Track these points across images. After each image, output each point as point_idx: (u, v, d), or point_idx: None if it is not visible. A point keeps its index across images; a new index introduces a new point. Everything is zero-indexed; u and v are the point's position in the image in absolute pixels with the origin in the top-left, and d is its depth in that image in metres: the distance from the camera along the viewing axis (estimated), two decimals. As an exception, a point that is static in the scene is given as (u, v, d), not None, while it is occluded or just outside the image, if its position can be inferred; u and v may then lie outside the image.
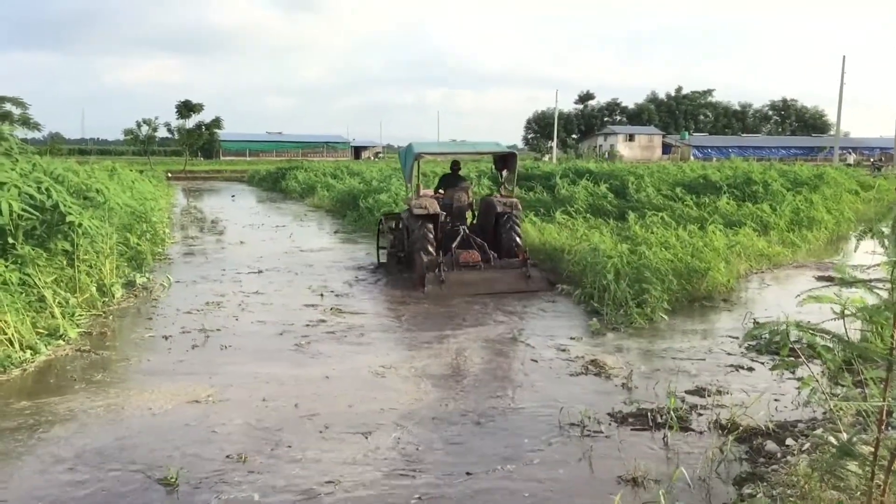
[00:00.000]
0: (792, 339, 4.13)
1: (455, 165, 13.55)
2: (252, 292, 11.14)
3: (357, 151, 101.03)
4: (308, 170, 42.38)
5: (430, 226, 11.98)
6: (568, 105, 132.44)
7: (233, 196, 16.07)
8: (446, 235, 12.37)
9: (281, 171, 45.78)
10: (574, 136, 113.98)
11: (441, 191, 13.17)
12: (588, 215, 16.90)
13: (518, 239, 12.16)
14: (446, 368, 7.36)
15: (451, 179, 13.20)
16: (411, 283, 11.77)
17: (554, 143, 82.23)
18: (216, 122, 67.53)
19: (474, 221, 13.01)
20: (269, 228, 20.70)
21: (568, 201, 19.16)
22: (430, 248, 11.79)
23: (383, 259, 13.75)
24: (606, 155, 67.04)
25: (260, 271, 13.02)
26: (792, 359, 5.02)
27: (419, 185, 13.30)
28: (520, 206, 12.68)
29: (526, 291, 10.97)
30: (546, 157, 74.57)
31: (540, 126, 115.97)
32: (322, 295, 10.89)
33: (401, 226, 13.30)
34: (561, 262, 12.10)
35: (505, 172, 13.07)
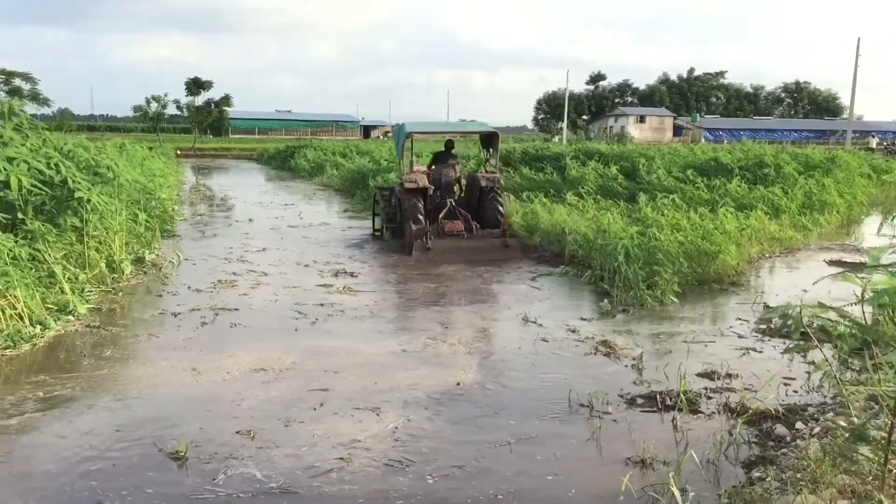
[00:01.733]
0: (804, 321, 4.10)
1: (449, 144, 14.58)
2: (260, 271, 11.12)
3: (366, 131, 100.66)
4: (317, 148, 42.21)
5: (420, 198, 13.23)
6: (579, 86, 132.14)
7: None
8: (435, 207, 13.51)
9: (290, 150, 45.57)
10: (585, 117, 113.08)
11: (433, 167, 14.38)
12: (598, 197, 16.88)
13: (500, 210, 13.46)
14: (455, 348, 7.32)
15: (443, 157, 14.28)
16: (403, 249, 12.91)
17: (564, 124, 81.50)
18: (226, 100, 67.34)
19: (462, 195, 14.12)
20: (278, 206, 20.70)
21: (578, 182, 19.12)
22: (420, 218, 12.99)
23: (379, 229, 15.06)
24: (617, 136, 66.62)
25: (265, 249, 13.03)
26: (804, 342, 5.02)
27: (412, 161, 14.76)
28: (502, 182, 14.20)
29: (503, 260, 12.17)
30: (556, 138, 74.09)
31: (550, 107, 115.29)
32: (336, 274, 10.84)
33: (393, 200, 14.42)
34: (571, 245, 12.02)
35: (489, 151, 14.39)
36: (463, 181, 14.46)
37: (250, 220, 17.41)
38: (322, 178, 30.25)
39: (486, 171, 14.19)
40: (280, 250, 13.15)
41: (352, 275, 10.88)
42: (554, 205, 15.29)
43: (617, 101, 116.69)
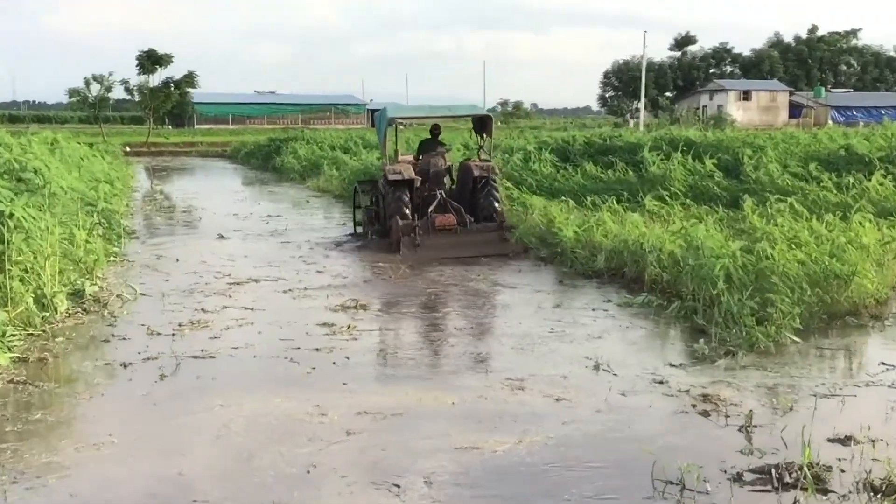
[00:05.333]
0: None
1: (435, 129, 16.48)
2: (238, 305, 11.20)
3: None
4: (311, 141, 42.51)
5: (406, 191, 15.13)
6: (660, 52, 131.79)
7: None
8: (423, 201, 15.40)
9: (275, 144, 46.04)
10: (668, 93, 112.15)
11: (420, 157, 16.20)
12: (688, 201, 16.87)
13: (496, 203, 15.46)
14: (497, 401, 7.35)
15: (429, 145, 16.21)
16: (390, 248, 14.77)
17: (641, 104, 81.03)
18: (189, 79, 68.02)
19: (453, 186, 16.07)
20: (259, 219, 20.94)
21: (660, 182, 19.13)
22: (406, 213, 14.95)
23: (361, 228, 16.86)
24: (713, 120, 66.15)
25: (241, 282, 12.87)
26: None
27: (397, 150, 17.13)
28: (497, 170, 16.33)
29: (500, 255, 14.21)
30: (630, 123, 73.90)
31: (621, 81, 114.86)
32: (342, 307, 10.93)
33: (377, 195, 16.38)
34: (652, 266, 11.95)
35: (483, 136, 16.38)
36: (453, 171, 16.44)
37: (221, 236, 17.67)
38: (318, 180, 30.39)
39: (480, 160, 16.25)
40: (258, 270, 13.57)
41: (354, 305, 10.92)
42: (627, 213, 15.19)
43: (712, 71, 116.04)
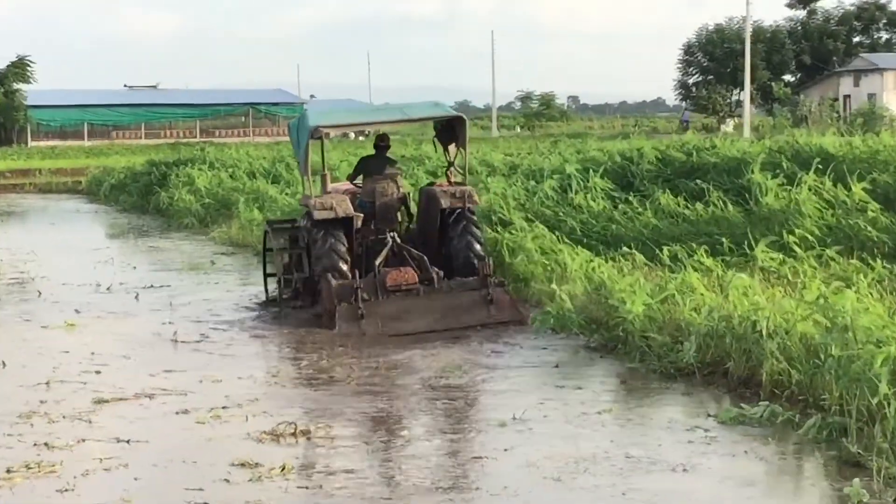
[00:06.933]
0: None
1: (381, 141, 16.73)
2: (105, 436, 10.92)
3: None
4: (216, 165, 41.89)
5: (341, 234, 15.15)
6: (774, 10, 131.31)
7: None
8: (368, 248, 15.54)
9: (158, 170, 45.06)
10: (788, 77, 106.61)
11: (362, 181, 16.22)
12: (826, 251, 16.55)
13: (477, 246, 15.49)
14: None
15: (374, 164, 16.34)
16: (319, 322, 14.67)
17: (745, 94, 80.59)
18: (19, 69, 68.48)
19: (410, 225, 16.31)
20: (133, 293, 20.63)
21: (780, 222, 18.72)
22: (343, 268, 14.94)
23: (275, 290, 17.25)
24: (860, 116, 65.40)
25: (105, 399, 12.71)
26: None
27: (326, 175, 16.76)
28: (476, 198, 16.04)
29: (486, 324, 14.14)
30: (729, 125, 73.96)
31: (712, 59, 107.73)
32: (274, 435, 10.91)
33: (299, 241, 16.31)
34: (771, 359, 11.65)
35: (452, 148, 16.59)
36: (411, 201, 16.37)
37: (70, 325, 17.54)
38: (228, 226, 30.14)
39: (450, 183, 16.18)
40: (136, 377, 13.37)
41: (292, 432, 10.91)
42: (729, 272, 14.76)
43: (857, 40, 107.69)
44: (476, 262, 14.89)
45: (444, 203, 15.01)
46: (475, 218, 15.31)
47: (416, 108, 17.56)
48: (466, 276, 14.67)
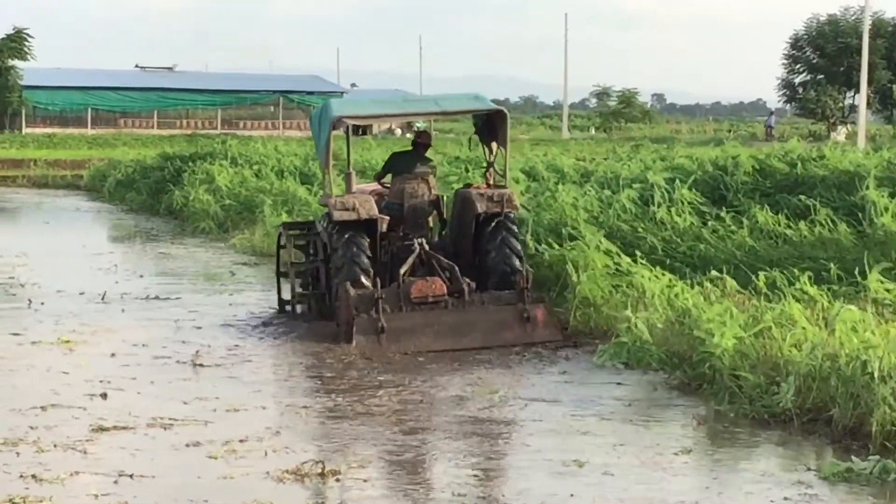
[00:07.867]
0: None
1: (419, 138, 17.12)
2: (102, 469, 11.00)
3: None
4: (239, 161, 42.02)
5: (364, 241, 15.38)
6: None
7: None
8: (393, 255, 15.72)
9: (171, 166, 45.49)
10: None
11: (390, 181, 16.32)
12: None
13: (515, 258, 15.67)
14: None
15: (406, 161, 16.69)
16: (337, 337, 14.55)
17: (861, 97, 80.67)
18: (15, 44, 69.12)
19: (442, 231, 16.44)
20: (139, 306, 21.07)
21: (897, 245, 17.07)
22: (363, 277, 15.12)
23: (291, 299, 17.51)
24: None
25: (105, 427, 12.83)
26: None
27: (351, 173, 17.33)
28: (516, 202, 16.21)
29: (524, 344, 14.09)
30: (841, 133, 73.76)
31: (822, 55, 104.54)
32: (299, 475, 10.89)
33: (317, 245, 16.54)
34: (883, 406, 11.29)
35: (493, 146, 16.94)
36: (444, 205, 16.43)
37: (65, 341, 17.64)
38: (251, 232, 30.49)
39: (488, 185, 16.49)
40: (140, 402, 13.42)
41: (320, 472, 10.86)
42: (836, 303, 14.49)
43: None
44: (514, 274, 15.10)
45: (480, 207, 15.13)
46: (514, 227, 15.46)
47: (452, 101, 17.79)
48: (503, 288, 14.77)
